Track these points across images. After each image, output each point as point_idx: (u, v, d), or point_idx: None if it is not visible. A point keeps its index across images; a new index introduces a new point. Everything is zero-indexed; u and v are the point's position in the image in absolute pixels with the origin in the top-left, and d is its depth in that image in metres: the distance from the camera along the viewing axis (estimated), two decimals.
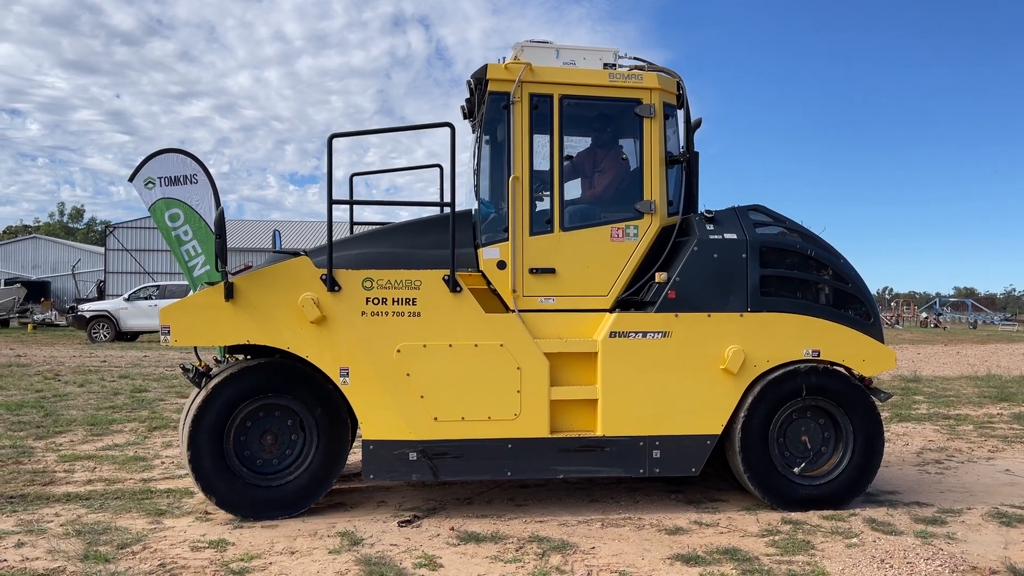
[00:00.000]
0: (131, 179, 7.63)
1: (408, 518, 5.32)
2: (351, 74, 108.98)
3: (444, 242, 5.46)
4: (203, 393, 5.27)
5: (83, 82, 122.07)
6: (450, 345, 5.38)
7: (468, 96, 6.11)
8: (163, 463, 6.98)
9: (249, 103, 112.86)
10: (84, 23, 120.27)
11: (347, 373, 5.30)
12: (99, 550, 4.53)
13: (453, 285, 5.39)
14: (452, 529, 5.08)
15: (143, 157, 7.73)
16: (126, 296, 24.58)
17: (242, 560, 4.43)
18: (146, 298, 23.72)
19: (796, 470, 5.68)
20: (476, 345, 5.40)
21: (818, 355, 5.68)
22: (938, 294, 72.18)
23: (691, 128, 6.11)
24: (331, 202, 5.41)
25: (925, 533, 5.07)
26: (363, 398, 5.32)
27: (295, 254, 5.56)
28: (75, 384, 12.61)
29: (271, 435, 5.41)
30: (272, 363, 5.42)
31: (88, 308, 24.57)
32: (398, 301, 5.36)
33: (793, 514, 5.49)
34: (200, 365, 5.59)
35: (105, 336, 23.54)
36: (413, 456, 5.34)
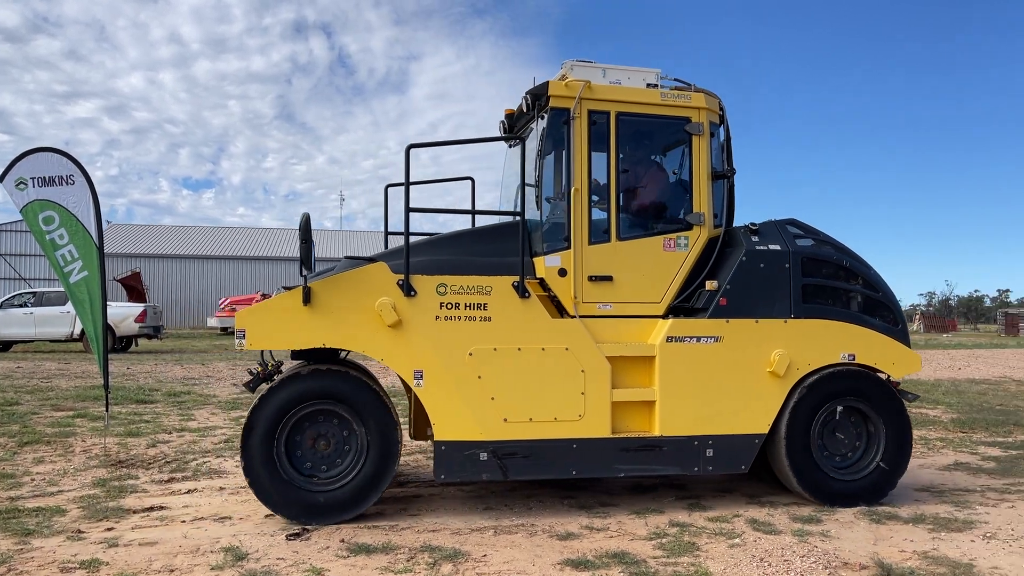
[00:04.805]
0: (0, 179, 7.19)
1: (297, 531, 5.19)
2: (250, 79, 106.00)
3: (501, 250, 5.79)
4: (276, 381, 5.43)
5: None
6: (519, 349, 5.59)
7: (514, 111, 6.49)
8: (33, 480, 6.57)
9: (141, 105, 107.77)
10: None
11: (421, 376, 5.47)
12: None
13: (522, 291, 5.63)
14: (342, 541, 4.98)
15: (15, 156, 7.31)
16: None
17: None
18: (20, 305, 22.27)
19: (836, 467, 6.05)
20: (543, 349, 5.62)
21: (853, 359, 6.08)
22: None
23: (730, 145, 6.46)
24: (408, 210, 5.56)
25: (802, 532, 5.30)
26: (436, 400, 5.48)
27: (371, 260, 5.67)
28: None
29: (324, 440, 5.52)
30: (338, 371, 5.49)
31: None
32: (470, 306, 5.58)
33: (680, 516, 5.65)
34: (261, 371, 5.68)
35: None
36: (484, 456, 5.52)
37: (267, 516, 5.58)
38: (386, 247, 6.82)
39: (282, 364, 5.91)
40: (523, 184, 5.76)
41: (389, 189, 6.67)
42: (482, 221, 6.84)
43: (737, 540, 5.07)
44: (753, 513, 5.75)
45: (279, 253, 48.80)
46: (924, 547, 5.01)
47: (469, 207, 6.94)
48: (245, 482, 6.54)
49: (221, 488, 6.40)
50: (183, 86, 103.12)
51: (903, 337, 6.30)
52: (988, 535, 5.26)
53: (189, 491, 6.31)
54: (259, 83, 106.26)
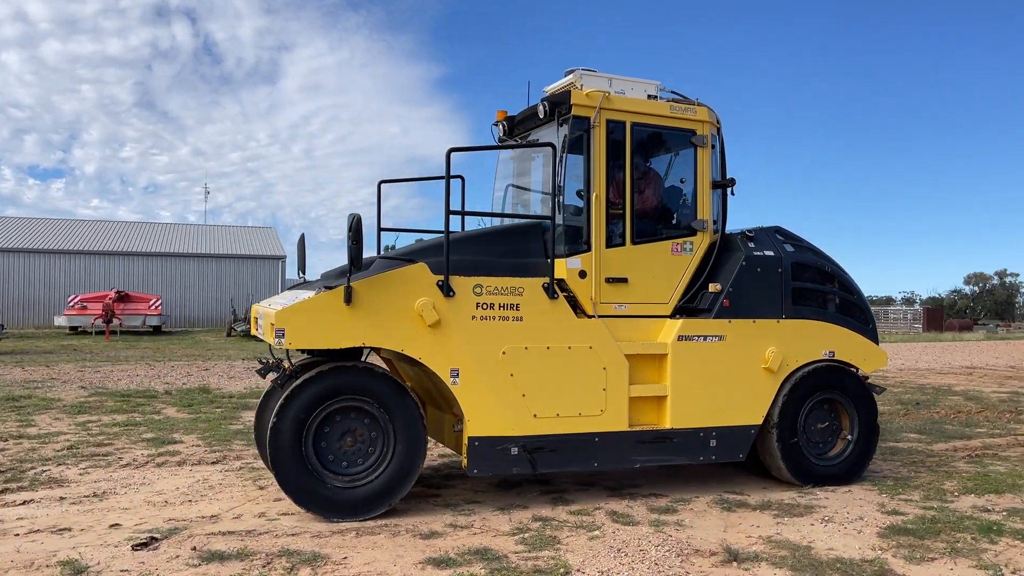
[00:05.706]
0: None
1: (144, 540, 4.91)
2: (106, 63, 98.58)
3: (524, 251, 6.02)
4: (294, 383, 5.41)
5: None
6: (548, 347, 5.82)
7: (508, 114, 6.83)
8: None
9: None
10: None
11: (457, 374, 5.59)
12: None
13: (552, 292, 5.84)
14: (194, 549, 4.76)
15: None
16: None
17: None
18: None
19: (817, 453, 6.65)
20: (570, 347, 5.87)
21: (833, 355, 6.69)
22: None
23: (724, 156, 6.79)
24: (448, 212, 5.63)
25: (658, 522, 5.49)
26: (471, 397, 5.62)
27: (410, 260, 5.69)
28: None
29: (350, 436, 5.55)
30: (367, 368, 5.51)
31: None
32: (504, 307, 5.74)
33: (543, 511, 5.74)
34: (288, 369, 5.64)
35: None
36: (515, 451, 5.71)
37: (112, 526, 5.26)
38: (378, 244, 6.99)
39: (283, 361, 5.86)
40: (554, 188, 5.98)
41: (382, 185, 6.89)
42: (474, 223, 7.11)
43: (597, 532, 5.20)
44: (613, 505, 5.92)
45: (137, 248, 46.26)
46: (769, 532, 5.30)
47: (460, 206, 6.98)
48: (96, 491, 6.17)
49: (62, 498, 5.99)
50: (30, 68, 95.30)
51: (873, 336, 6.97)
52: (826, 519, 5.63)
53: (25, 502, 5.86)
54: (116, 68, 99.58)
